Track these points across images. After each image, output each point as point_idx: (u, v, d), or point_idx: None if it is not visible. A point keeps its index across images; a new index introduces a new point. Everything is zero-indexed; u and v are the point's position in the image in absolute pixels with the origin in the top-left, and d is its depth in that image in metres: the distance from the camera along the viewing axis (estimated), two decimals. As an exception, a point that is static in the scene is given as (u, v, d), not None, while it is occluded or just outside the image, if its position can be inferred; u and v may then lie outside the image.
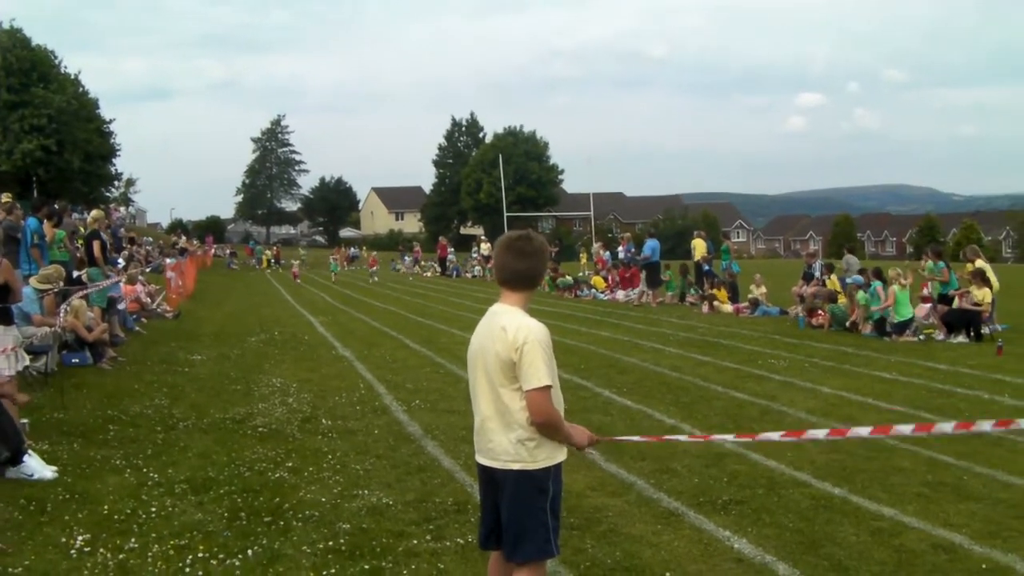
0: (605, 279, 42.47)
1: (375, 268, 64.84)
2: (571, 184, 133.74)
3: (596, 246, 55.26)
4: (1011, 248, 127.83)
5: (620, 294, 39.45)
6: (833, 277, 29.09)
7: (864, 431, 7.70)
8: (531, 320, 5.79)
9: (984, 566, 7.73)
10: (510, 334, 5.69)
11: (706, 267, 36.74)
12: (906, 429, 6.99)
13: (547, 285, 44.17)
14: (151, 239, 72.04)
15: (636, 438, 10.50)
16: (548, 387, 5.65)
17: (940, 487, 10.03)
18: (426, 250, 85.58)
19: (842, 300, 26.15)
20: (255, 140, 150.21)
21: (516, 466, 5.71)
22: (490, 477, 5.91)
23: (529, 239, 6.04)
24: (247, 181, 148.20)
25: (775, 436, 7.91)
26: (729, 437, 9.85)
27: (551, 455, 5.78)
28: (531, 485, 5.74)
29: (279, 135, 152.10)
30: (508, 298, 5.95)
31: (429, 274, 66.33)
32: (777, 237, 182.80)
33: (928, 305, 24.77)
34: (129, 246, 47.27)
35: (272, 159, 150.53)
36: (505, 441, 5.74)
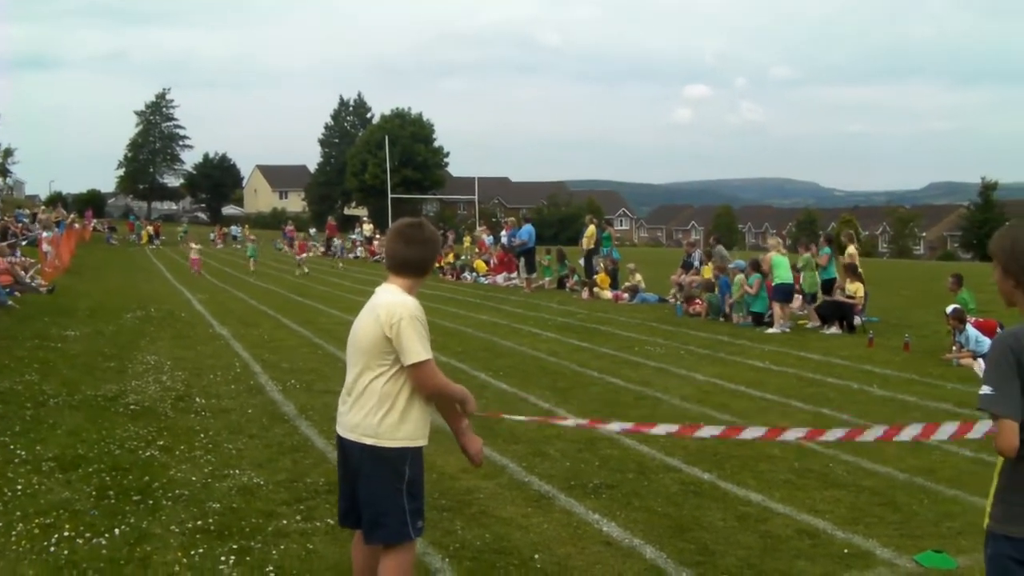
0: (486, 263, 42.49)
1: (304, 256, 50.40)
2: (457, 168, 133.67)
3: (479, 230, 55.27)
4: (887, 244, 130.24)
5: (500, 278, 39.50)
6: (709, 265, 29.39)
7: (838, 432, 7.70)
8: (406, 297, 5.85)
9: (846, 550, 7.90)
10: (384, 312, 5.74)
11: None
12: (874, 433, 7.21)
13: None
14: (26, 211, 70.35)
15: (521, 417, 10.45)
16: (429, 360, 5.71)
17: (807, 474, 10.23)
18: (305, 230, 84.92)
19: (707, 273, 26.51)
20: (139, 113, 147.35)
21: (368, 441, 5.75)
22: (346, 453, 5.95)
23: (420, 227, 6.10)
24: (129, 155, 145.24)
25: (669, 428, 8.04)
26: (673, 428, 9.70)
27: (408, 437, 5.81)
28: (386, 466, 5.76)
29: (163, 109, 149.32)
30: (394, 282, 5.99)
31: (312, 253, 65.75)
32: (660, 226, 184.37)
33: (799, 296, 25.19)
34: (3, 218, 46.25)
35: (156, 133, 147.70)
36: (361, 415, 5.78)
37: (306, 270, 46.06)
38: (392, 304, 5.77)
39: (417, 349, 5.67)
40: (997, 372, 4.40)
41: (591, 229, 37.24)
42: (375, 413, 5.74)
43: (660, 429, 8.61)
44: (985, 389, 4.42)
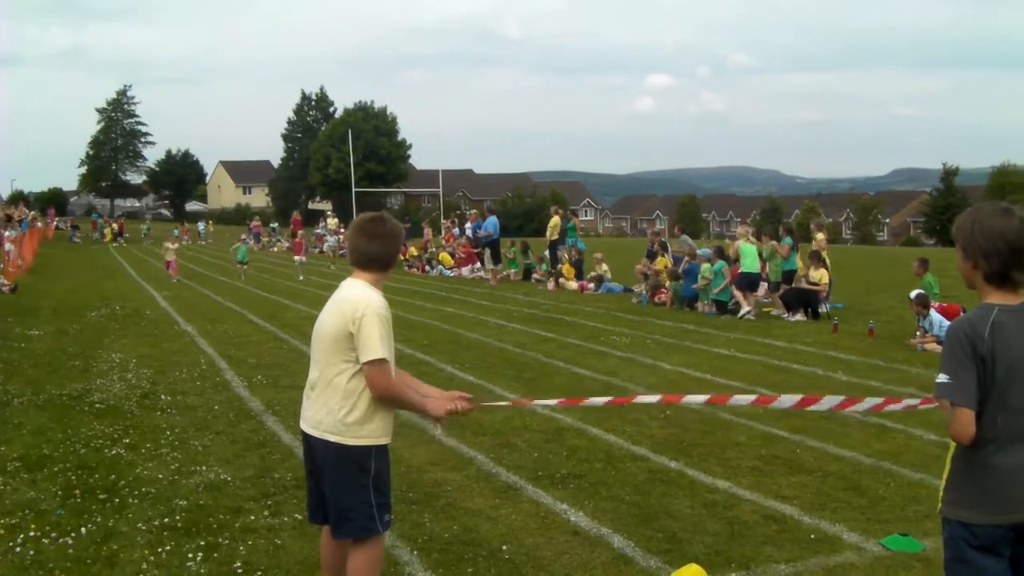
0: (452, 255, 42.43)
1: (303, 258, 41.62)
2: (420, 160, 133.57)
3: (445, 223, 55.18)
4: (850, 230, 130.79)
5: (466, 270, 39.47)
6: (666, 256, 29.41)
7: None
8: (373, 293, 5.86)
9: (812, 536, 7.94)
10: (349, 306, 5.76)
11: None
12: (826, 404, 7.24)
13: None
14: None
15: (503, 403, 10.34)
16: (384, 360, 5.71)
17: (774, 460, 10.27)
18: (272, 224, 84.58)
19: (660, 264, 26.55)
20: (100, 111, 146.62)
21: (332, 438, 5.77)
22: (311, 447, 5.96)
23: (382, 221, 6.12)
24: (91, 152, 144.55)
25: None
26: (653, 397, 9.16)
27: (372, 435, 5.83)
28: (350, 462, 5.78)
29: (125, 106, 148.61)
30: (360, 277, 6.01)
31: (276, 249, 65.52)
32: (624, 216, 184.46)
33: (765, 284, 25.30)
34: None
35: (117, 130, 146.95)
36: (324, 411, 5.80)
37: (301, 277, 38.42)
38: (357, 299, 5.80)
39: (373, 346, 5.68)
40: (953, 360, 4.41)
41: (555, 220, 37.26)
42: (339, 410, 5.76)
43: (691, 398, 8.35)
44: (942, 377, 4.43)
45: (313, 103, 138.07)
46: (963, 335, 4.42)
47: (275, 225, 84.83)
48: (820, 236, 26.74)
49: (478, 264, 39.10)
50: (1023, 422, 4.43)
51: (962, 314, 6.07)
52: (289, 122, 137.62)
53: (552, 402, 9.26)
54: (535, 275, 36.10)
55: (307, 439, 5.97)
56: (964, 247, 4.57)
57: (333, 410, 5.77)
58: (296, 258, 41.70)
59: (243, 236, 51.34)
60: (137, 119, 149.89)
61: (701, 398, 7.94)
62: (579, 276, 33.28)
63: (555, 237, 36.71)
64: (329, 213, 79.82)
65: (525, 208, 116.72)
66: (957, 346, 4.41)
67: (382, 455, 5.90)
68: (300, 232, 55.44)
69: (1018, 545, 4.50)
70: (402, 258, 44.43)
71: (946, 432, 4.53)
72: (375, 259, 6.01)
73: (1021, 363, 4.40)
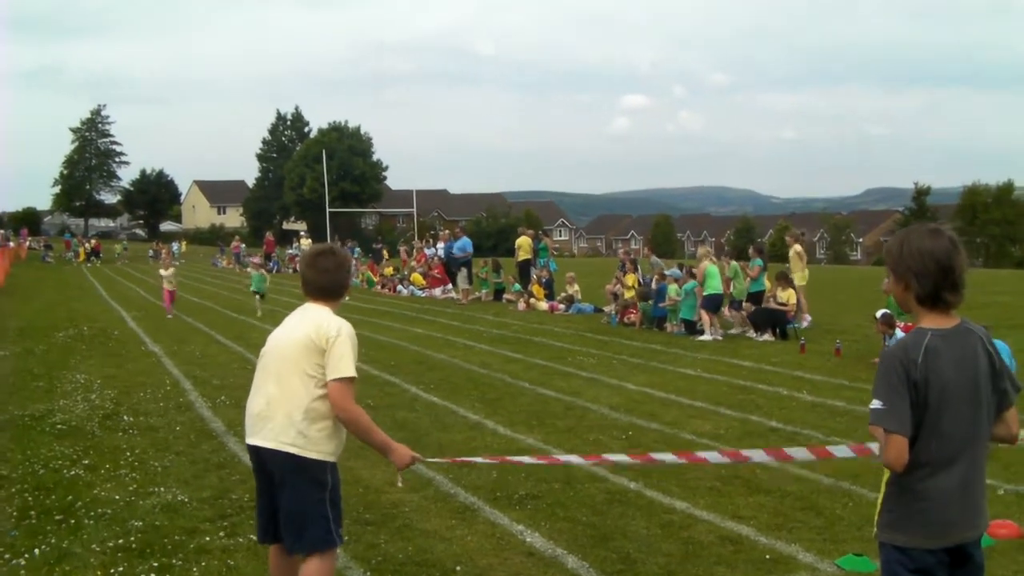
0: (423, 276, 42.38)
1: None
2: (395, 181, 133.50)
3: (418, 243, 55.15)
4: (824, 249, 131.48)
5: (437, 291, 39.45)
6: (633, 275, 29.41)
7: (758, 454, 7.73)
8: (339, 318, 6.06)
9: (768, 556, 7.95)
10: (323, 324, 5.93)
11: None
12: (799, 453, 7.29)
13: (367, 283, 44.25)
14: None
15: (478, 459, 10.28)
16: (352, 379, 5.85)
17: (733, 481, 10.26)
18: (249, 245, 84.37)
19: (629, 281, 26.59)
20: (74, 130, 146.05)
21: (290, 450, 5.83)
22: (263, 463, 6.00)
23: (332, 254, 6.33)
24: (65, 172, 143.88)
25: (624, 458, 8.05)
26: (574, 458, 9.79)
27: (329, 451, 5.94)
28: (308, 476, 5.86)
29: (99, 125, 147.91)
30: (317, 304, 6.20)
31: (250, 270, 65.19)
32: (599, 236, 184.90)
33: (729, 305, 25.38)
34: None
35: (91, 150, 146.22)
36: (286, 424, 5.86)
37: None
38: (331, 320, 5.99)
39: (348, 364, 5.85)
40: (886, 387, 4.41)
41: (523, 239, 37.39)
42: (301, 423, 5.84)
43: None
44: (875, 404, 4.44)
45: (288, 123, 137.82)
46: (896, 361, 4.43)
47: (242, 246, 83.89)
48: (799, 248, 26.90)
49: (449, 285, 39.09)
50: (955, 446, 4.44)
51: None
52: (264, 142, 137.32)
53: (487, 460, 9.22)
54: (506, 296, 36.11)
55: (259, 454, 6.00)
56: (895, 269, 4.57)
57: (296, 422, 5.84)
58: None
59: (255, 259, 46.06)
60: (111, 139, 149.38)
61: (668, 457, 7.97)
62: (550, 296, 33.32)
63: (525, 257, 36.76)
64: (303, 233, 79.68)
65: (499, 228, 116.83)
66: (892, 372, 4.42)
67: (335, 471, 6.04)
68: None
69: (955, 569, 4.51)
70: (374, 278, 44.53)
71: None
72: (327, 290, 6.23)
73: (952, 387, 4.41)
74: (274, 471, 5.93)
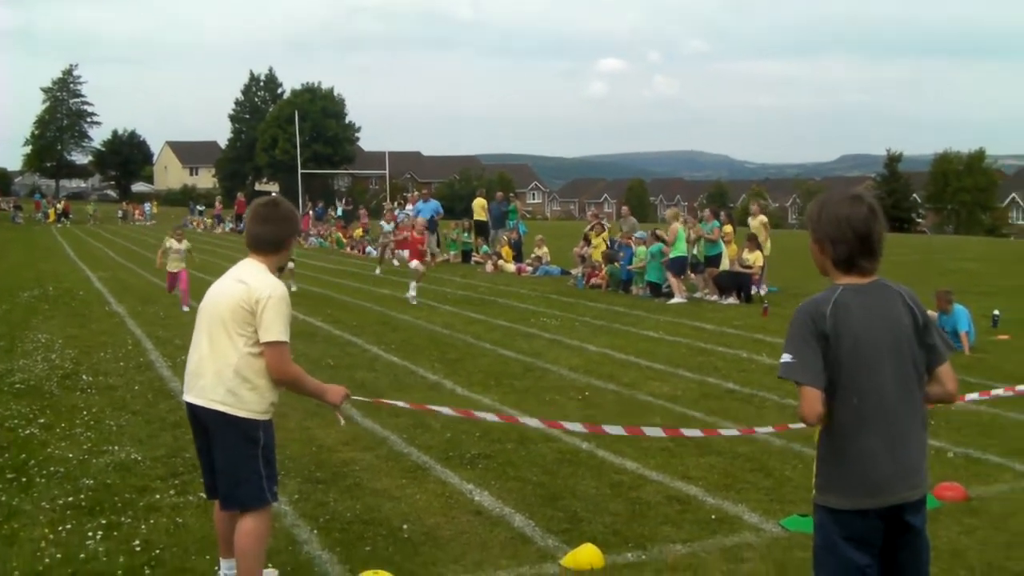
0: (404, 242, 42.25)
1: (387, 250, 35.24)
2: (368, 142, 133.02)
3: (390, 204, 55.03)
4: (796, 215, 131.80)
5: (406, 253, 39.36)
6: (602, 236, 29.37)
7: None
8: (273, 277, 6.00)
9: (713, 516, 8.00)
10: (252, 286, 5.87)
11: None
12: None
13: (336, 243, 44.22)
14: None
15: (400, 403, 10.31)
16: (285, 343, 5.85)
17: (685, 442, 10.20)
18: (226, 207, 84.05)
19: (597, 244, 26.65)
20: (45, 90, 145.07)
21: (221, 408, 5.83)
22: (198, 420, 6.02)
23: (275, 205, 6.28)
24: (36, 132, 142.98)
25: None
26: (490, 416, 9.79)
27: (260, 410, 5.92)
28: (239, 432, 5.86)
29: (71, 85, 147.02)
30: (255, 259, 6.13)
31: (219, 231, 65.04)
32: (573, 200, 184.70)
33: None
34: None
35: (63, 110, 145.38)
36: (216, 382, 5.86)
37: (391, 264, 33.92)
38: (262, 281, 5.92)
39: (279, 328, 5.83)
40: (797, 340, 4.41)
41: (477, 200, 37.72)
42: (231, 381, 5.84)
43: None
44: (785, 357, 4.43)
45: (262, 84, 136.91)
46: (806, 315, 4.43)
47: (201, 208, 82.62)
48: (763, 218, 26.92)
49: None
50: (879, 403, 4.40)
51: None
52: (237, 103, 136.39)
53: (445, 410, 9.21)
54: (474, 257, 36.11)
55: (194, 411, 6.03)
56: (813, 233, 4.58)
57: (225, 380, 5.84)
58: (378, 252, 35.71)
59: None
60: (83, 99, 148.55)
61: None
62: (518, 259, 33.34)
63: (481, 217, 36.93)
64: (275, 194, 79.35)
65: (471, 190, 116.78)
66: (801, 326, 4.42)
67: (269, 428, 6.02)
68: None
69: (894, 538, 4.44)
70: (344, 239, 44.50)
71: None
72: (268, 242, 6.13)
73: (867, 341, 4.39)
74: (208, 427, 5.95)
